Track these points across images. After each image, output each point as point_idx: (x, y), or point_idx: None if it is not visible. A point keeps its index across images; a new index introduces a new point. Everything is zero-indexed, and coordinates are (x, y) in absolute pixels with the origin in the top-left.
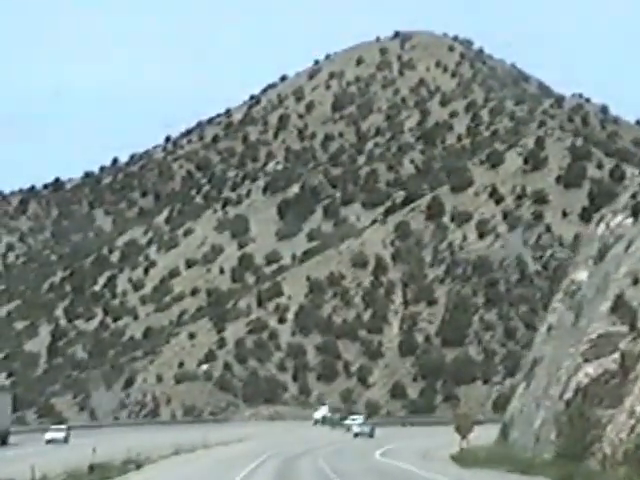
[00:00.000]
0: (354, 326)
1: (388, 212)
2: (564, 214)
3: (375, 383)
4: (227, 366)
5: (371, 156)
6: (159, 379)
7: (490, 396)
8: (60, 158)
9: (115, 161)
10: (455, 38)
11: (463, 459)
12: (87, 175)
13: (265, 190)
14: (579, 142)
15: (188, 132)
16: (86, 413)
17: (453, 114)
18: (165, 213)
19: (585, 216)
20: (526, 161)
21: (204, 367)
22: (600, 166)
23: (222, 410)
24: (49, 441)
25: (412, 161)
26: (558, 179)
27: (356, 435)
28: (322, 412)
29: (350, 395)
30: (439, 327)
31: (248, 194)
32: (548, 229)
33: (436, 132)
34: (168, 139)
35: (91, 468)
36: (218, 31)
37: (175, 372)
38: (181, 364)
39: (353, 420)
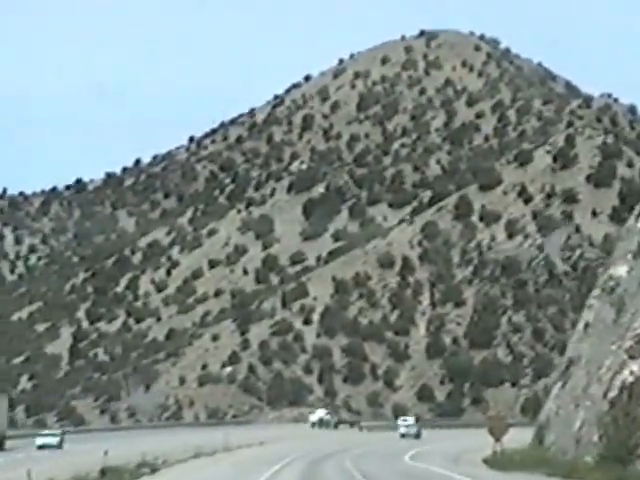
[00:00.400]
0: (380, 328)
1: (415, 212)
2: (594, 214)
3: (402, 386)
4: (251, 368)
5: (397, 157)
6: (182, 381)
7: (518, 399)
8: (82, 159)
9: (138, 162)
10: (481, 37)
11: (497, 462)
12: (109, 176)
13: (290, 190)
14: (610, 140)
15: (212, 132)
16: (107, 416)
17: (480, 114)
18: (188, 214)
19: (615, 216)
20: (555, 159)
21: (227, 369)
22: (630, 165)
23: (245, 413)
24: (40, 447)
25: (438, 162)
26: (588, 178)
27: (403, 436)
28: (319, 415)
29: (376, 398)
30: (467, 329)
31: (272, 194)
32: (577, 229)
33: (463, 133)
34: (191, 140)
35: (103, 472)
36: (241, 31)
37: (198, 374)
38: (204, 366)
39: (404, 421)
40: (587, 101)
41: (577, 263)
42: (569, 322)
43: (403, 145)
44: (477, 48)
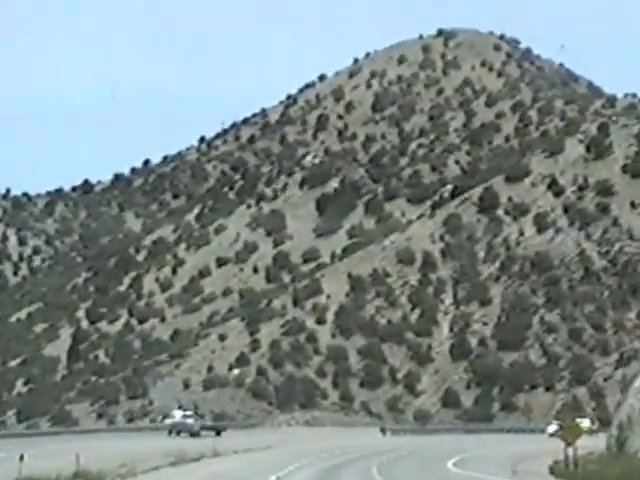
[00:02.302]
0: (400, 328)
1: (436, 206)
2: (633, 205)
3: (424, 390)
4: (260, 371)
5: (414, 157)
6: (186, 385)
7: (554, 405)
8: (90, 159)
9: (147, 162)
10: (501, 37)
11: (569, 474)
12: (117, 177)
13: (302, 185)
14: None
15: (224, 133)
16: (104, 421)
17: (500, 115)
18: (196, 210)
19: None
20: (588, 149)
21: (235, 372)
22: None
23: (254, 418)
24: None
25: (457, 162)
26: (624, 168)
27: (551, 435)
28: (177, 417)
29: (396, 403)
30: (494, 329)
31: (284, 189)
32: (615, 222)
33: (482, 133)
34: (202, 140)
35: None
36: (255, 30)
37: (203, 377)
38: (210, 369)
39: (183, 416)
40: (611, 101)
41: (616, 258)
42: (609, 321)
43: (420, 146)
44: (497, 48)
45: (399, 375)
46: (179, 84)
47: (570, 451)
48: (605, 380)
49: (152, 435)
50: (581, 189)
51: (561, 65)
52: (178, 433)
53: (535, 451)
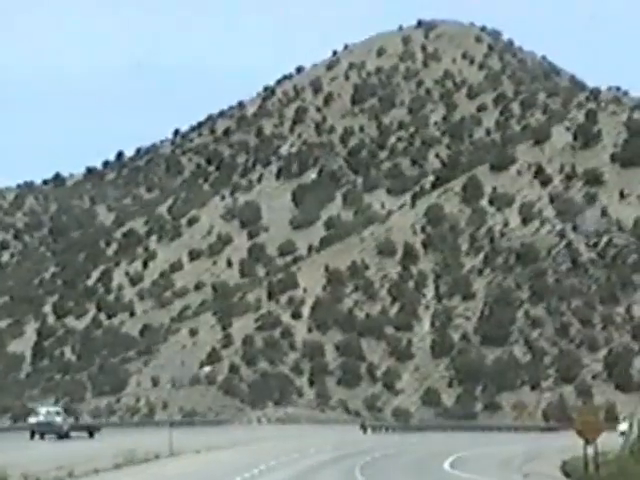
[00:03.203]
0: (379, 323)
1: (417, 196)
2: (622, 195)
3: (404, 388)
4: (233, 368)
5: (394, 151)
6: (155, 382)
7: (539, 404)
8: (61, 152)
9: (120, 155)
10: (483, 29)
11: (591, 477)
12: (89, 170)
13: (279, 175)
14: (637, 115)
15: (199, 125)
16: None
17: (481, 108)
18: (168, 202)
19: None
20: (576, 137)
21: (206, 369)
22: None
23: (223, 415)
24: None
25: (437, 156)
26: (613, 156)
27: (622, 434)
28: (43, 414)
29: (375, 402)
30: (477, 324)
31: (260, 179)
32: (604, 213)
33: (463, 126)
34: (177, 132)
35: None
36: (230, 20)
37: (173, 374)
38: (180, 365)
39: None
40: (595, 94)
41: (605, 250)
42: (597, 315)
43: (400, 139)
44: (478, 40)
45: (378, 372)
46: (153, 76)
47: (589, 450)
48: (593, 378)
49: (112, 433)
50: (568, 178)
51: (543, 58)
52: (42, 435)
53: (535, 450)
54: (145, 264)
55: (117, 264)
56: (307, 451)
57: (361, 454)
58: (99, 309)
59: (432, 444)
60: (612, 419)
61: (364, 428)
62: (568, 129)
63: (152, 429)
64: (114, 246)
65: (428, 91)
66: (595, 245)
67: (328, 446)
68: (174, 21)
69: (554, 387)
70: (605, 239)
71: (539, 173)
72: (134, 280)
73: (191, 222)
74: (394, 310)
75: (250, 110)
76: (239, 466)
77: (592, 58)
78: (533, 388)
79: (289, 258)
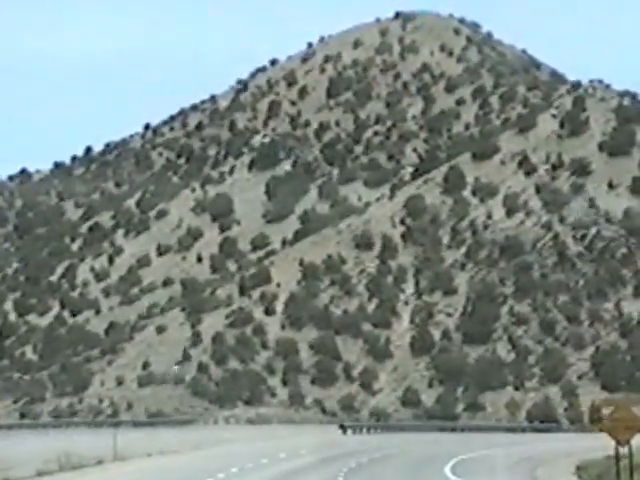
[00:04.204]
0: (356, 319)
1: (396, 187)
2: (610, 185)
3: (382, 388)
4: (202, 367)
5: (370, 145)
6: (119, 382)
7: (523, 404)
8: (28, 147)
9: (88, 150)
10: (461, 21)
11: None
12: (57, 165)
13: (251, 166)
14: (626, 102)
15: (170, 119)
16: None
17: (460, 101)
18: (136, 196)
19: (636, 188)
20: (562, 125)
21: (174, 368)
22: None
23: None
24: None
25: (415, 150)
26: (601, 145)
27: None
28: None
29: (352, 402)
30: (459, 321)
31: (232, 171)
32: (592, 203)
33: (442, 120)
34: (147, 127)
35: None
36: (203, 14)
37: (138, 374)
38: (146, 364)
39: None
40: (576, 87)
41: (593, 243)
42: (585, 312)
43: (377, 133)
44: (457, 32)
45: (355, 371)
46: (122, 70)
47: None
48: (579, 378)
49: (54, 433)
50: (554, 168)
51: (523, 51)
52: None
53: (540, 452)
54: (111, 259)
55: (82, 259)
56: (278, 455)
57: (344, 458)
58: (63, 306)
59: (422, 446)
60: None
61: (344, 428)
62: (554, 117)
63: (108, 430)
64: (79, 241)
65: (405, 84)
66: (583, 238)
67: (304, 449)
68: (146, 14)
69: (539, 387)
70: (593, 231)
71: (524, 162)
72: (100, 276)
73: (159, 215)
74: (372, 306)
75: (223, 104)
76: (191, 474)
77: (573, 52)
78: (517, 388)
79: (262, 253)
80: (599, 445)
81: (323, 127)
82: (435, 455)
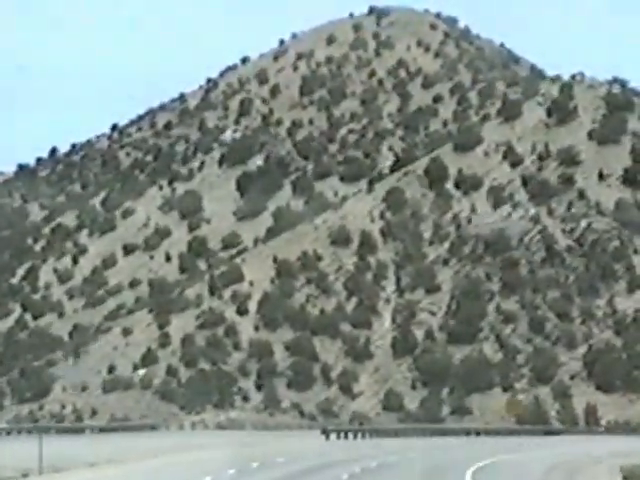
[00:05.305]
0: (334, 319)
1: (375, 180)
2: (600, 176)
3: (362, 392)
4: (171, 370)
5: (345, 144)
6: (83, 387)
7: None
8: None
9: (54, 152)
10: (438, 15)
11: None
12: (21, 167)
13: (221, 162)
14: (616, 89)
15: (138, 119)
16: None
17: (437, 98)
18: (102, 194)
19: (628, 178)
20: (549, 113)
21: (141, 372)
22: None
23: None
24: None
25: (391, 149)
26: (590, 134)
27: None
28: None
29: (330, 406)
30: (443, 320)
31: (201, 167)
32: (581, 195)
33: (418, 118)
34: (114, 127)
35: None
36: (171, 9)
37: (103, 378)
38: (111, 368)
39: None
40: (555, 82)
41: (583, 236)
42: (576, 309)
43: (351, 131)
44: (433, 27)
45: (333, 374)
46: (91, 67)
47: None
48: (572, 378)
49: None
50: (541, 158)
51: (502, 46)
52: None
53: (563, 456)
54: (75, 260)
55: (44, 261)
56: (249, 465)
57: (331, 468)
58: (24, 309)
59: (423, 453)
60: None
61: (326, 433)
62: (541, 105)
63: (62, 436)
64: (42, 242)
65: (381, 81)
66: (572, 231)
67: (281, 457)
68: (113, 12)
69: (529, 388)
70: (583, 224)
71: (509, 153)
72: (63, 278)
73: (125, 214)
74: (350, 305)
75: (192, 103)
76: None
77: (554, 46)
78: (505, 390)
79: (234, 251)
80: (620, 448)
81: (296, 125)
82: (445, 463)
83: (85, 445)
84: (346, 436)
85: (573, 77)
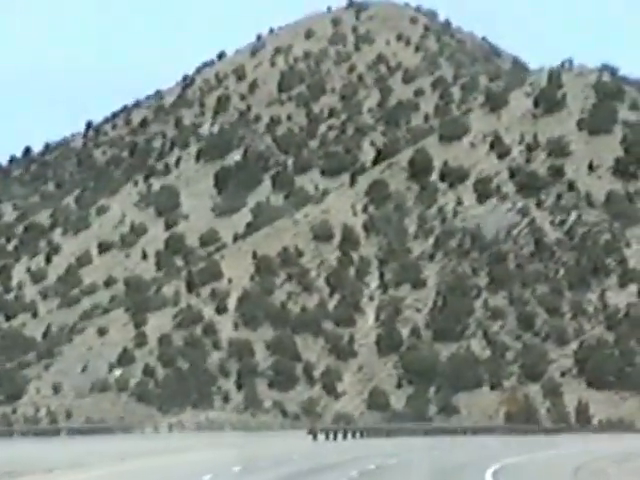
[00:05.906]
0: (316, 317)
1: (357, 172)
2: (591, 167)
3: (346, 391)
4: (148, 370)
5: (324, 140)
6: (56, 389)
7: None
8: None
9: (27, 151)
10: (418, 9)
11: None
12: None
13: (199, 157)
14: (606, 78)
15: (113, 117)
16: None
17: (418, 92)
18: (76, 192)
19: (619, 169)
20: (537, 102)
21: (116, 373)
22: (635, 107)
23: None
24: None
25: (372, 144)
26: (580, 123)
27: None
28: None
29: (313, 407)
30: (429, 316)
31: (178, 162)
32: (571, 187)
33: (399, 113)
34: (89, 125)
35: None
36: (145, 4)
37: (78, 379)
38: (86, 369)
39: None
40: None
41: (573, 229)
42: (566, 304)
43: (331, 127)
44: (413, 20)
45: (316, 373)
46: (64, 65)
47: None
48: (562, 375)
49: None
50: (530, 149)
51: (483, 39)
52: None
53: (579, 456)
54: (48, 259)
55: (17, 260)
56: (230, 469)
57: (324, 472)
58: None
59: (423, 453)
60: None
61: (314, 434)
62: (528, 94)
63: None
64: (15, 241)
65: (361, 76)
66: (562, 224)
67: (266, 460)
68: (87, 7)
69: (518, 386)
70: (573, 217)
71: (496, 144)
72: (36, 277)
73: (100, 211)
74: (333, 302)
75: (168, 100)
76: None
77: (536, 38)
78: (493, 388)
79: (212, 248)
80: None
81: (274, 121)
82: (451, 465)
83: (51, 448)
84: (335, 437)
85: (562, 65)
